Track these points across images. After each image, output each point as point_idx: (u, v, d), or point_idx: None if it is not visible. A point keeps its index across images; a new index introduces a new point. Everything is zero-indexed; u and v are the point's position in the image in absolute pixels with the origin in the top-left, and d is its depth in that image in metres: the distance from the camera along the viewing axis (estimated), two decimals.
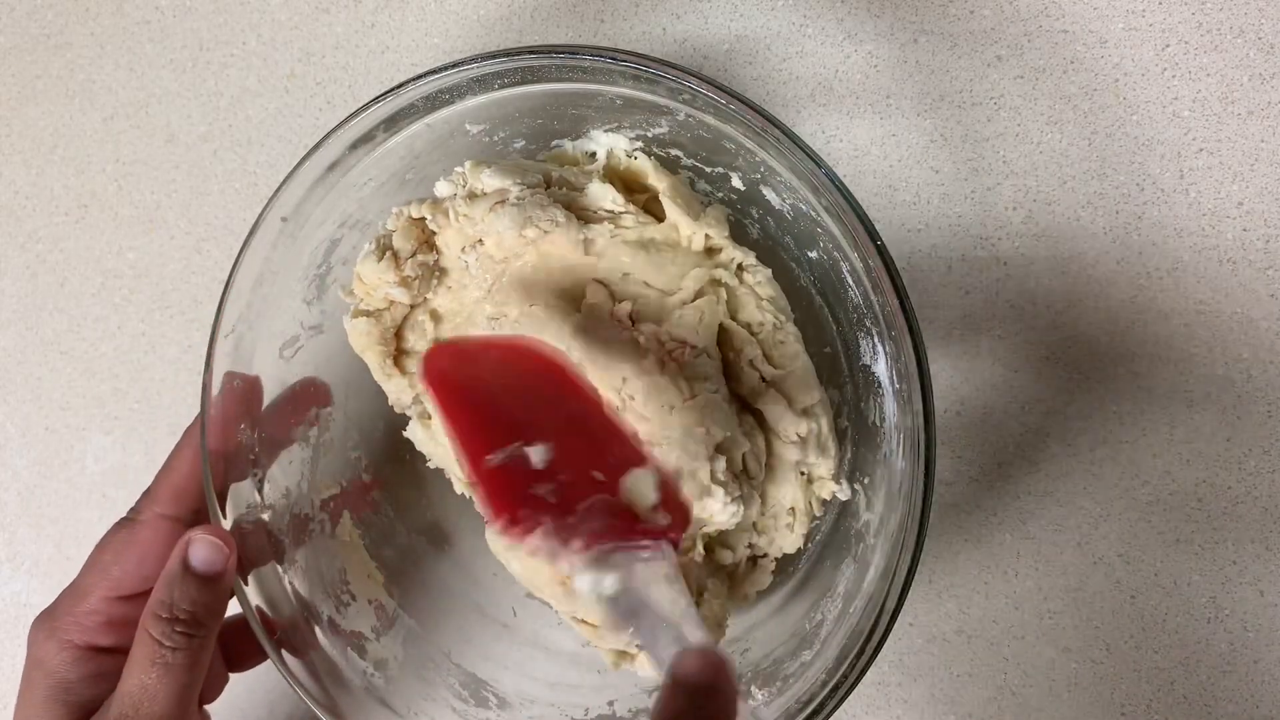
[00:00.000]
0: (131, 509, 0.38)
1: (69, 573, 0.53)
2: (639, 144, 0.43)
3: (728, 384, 0.42)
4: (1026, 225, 0.47)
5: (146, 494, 0.38)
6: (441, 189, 0.42)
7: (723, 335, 0.42)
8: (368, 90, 0.51)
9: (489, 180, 0.40)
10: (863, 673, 0.36)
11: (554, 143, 0.44)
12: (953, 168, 0.47)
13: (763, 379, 0.42)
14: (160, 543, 0.37)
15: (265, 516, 0.39)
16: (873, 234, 0.36)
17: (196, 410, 0.52)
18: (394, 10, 0.51)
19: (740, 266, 0.43)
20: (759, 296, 0.42)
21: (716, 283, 0.42)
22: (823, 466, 0.42)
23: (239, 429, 0.38)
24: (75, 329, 0.53)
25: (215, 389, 0.38)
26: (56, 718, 0.35)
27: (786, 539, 0.43)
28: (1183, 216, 0.46)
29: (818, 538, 0.45)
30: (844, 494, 0.43)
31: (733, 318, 0.42)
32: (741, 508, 0.40)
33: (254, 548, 0.38)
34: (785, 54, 0.48)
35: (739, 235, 0.45)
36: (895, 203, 0.48)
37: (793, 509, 0.43)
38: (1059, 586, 0.47)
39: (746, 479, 0.41)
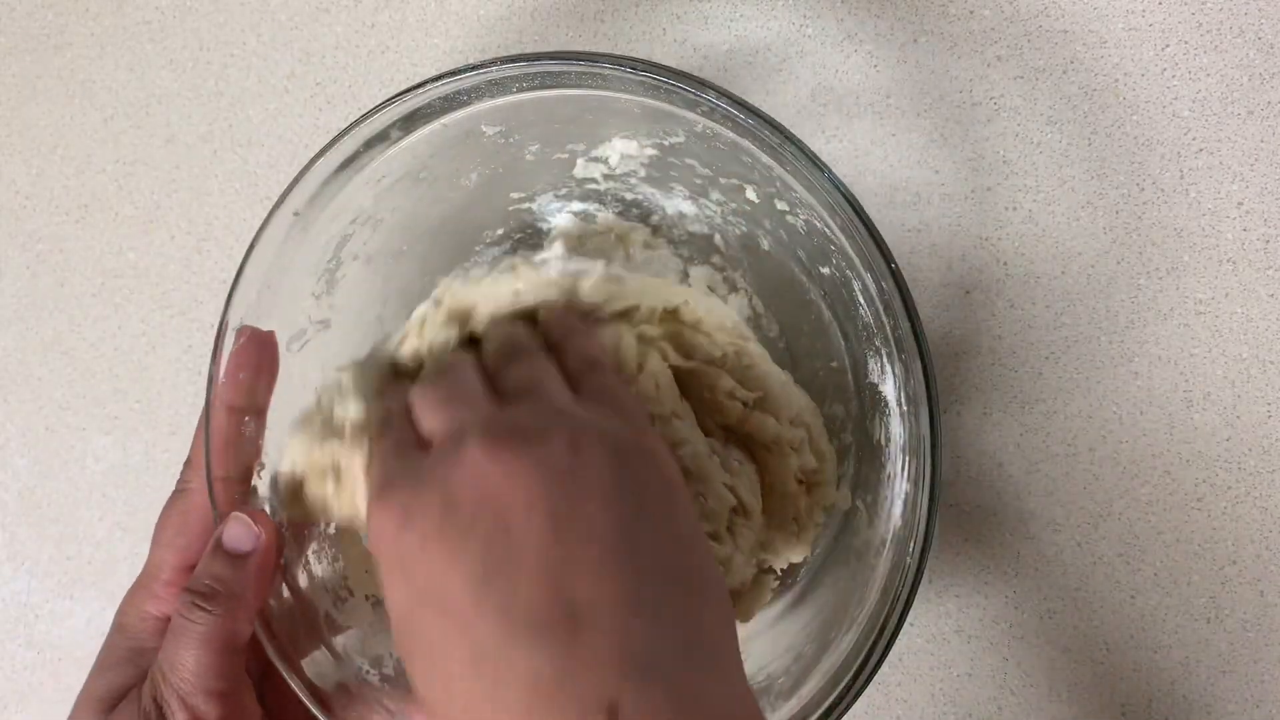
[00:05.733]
0: (179, 480, 0.39)
1: (69, 573, 0.53)
2: (654, 152, 0.43)
3: (711, 417, 0.41)
4: (1026, 225, 0.47)
5: (187, 463, 0.39)
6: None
7: (690, 379, 0.41)
8: (368, 90, 0.51)
9: (354, 409, 0.38)
10: (860, 691, 0.36)
11: (568, 146, 0.44)
12: (953, 168, 0.47)
13: (744, 404, 0.41)
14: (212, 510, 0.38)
15: (265, 508, 0.39)
16: (887, 256, 0.36)
17: (196, 409, 0.52)
18: (394, 10, 0.51)
19: (668, 312, 0.41)
20: (705, 332, 0.41)
21: (647, 340, 0.41)
22: (821, 471, 0.42)
23: (247, 415, 0.38)
24: (75, 329, 0.53)
25: (222, 368, 0.38)
26: (127, 676, 0.36)
27: (793, 549, 0.43)
28: (1183, 216, 0.46)
29: (817, 551, 0.45)
30: (844, 502, 0.42)
31: (690, 358, 0.41)
32: (739, 554, 0.39)
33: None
34: (785, 54, 0.48)
35: (751, 246, 0.45)
36: (895, 203, 0.48)
37: (795, 518, 0.42)
38: (1059, 586, 0.47)
39: (743, 517, 0.40)
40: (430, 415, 0.34)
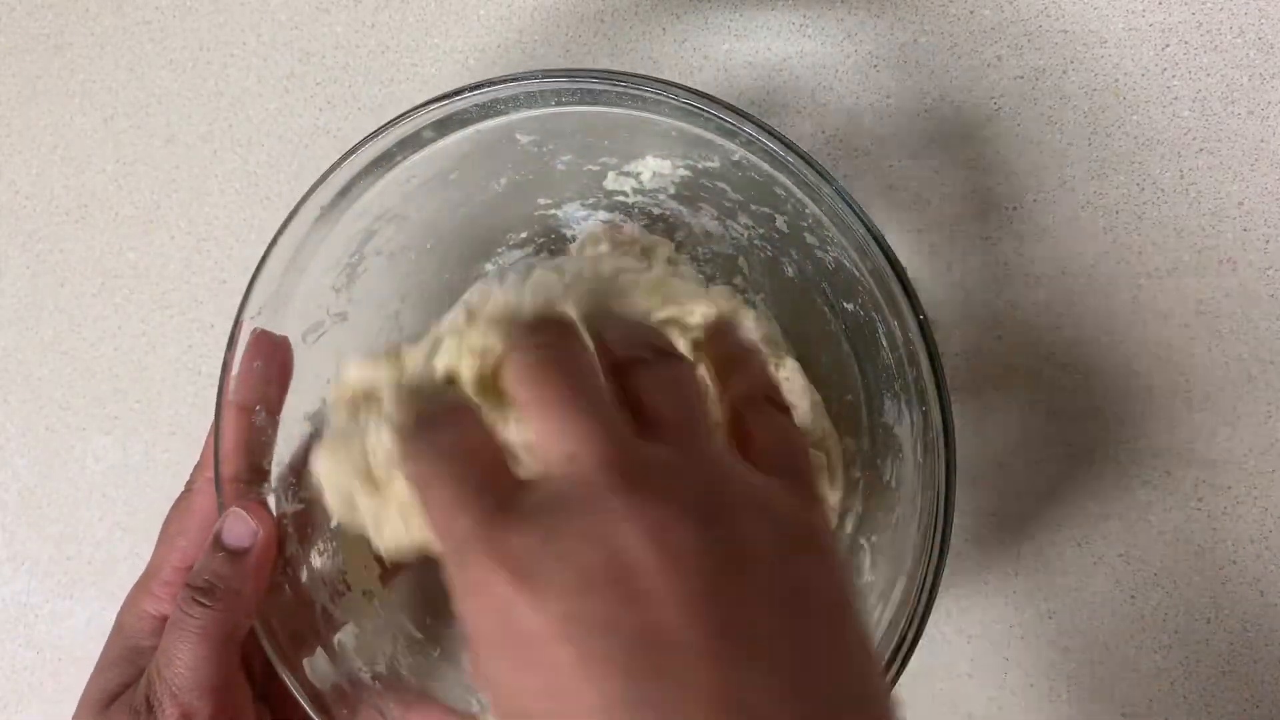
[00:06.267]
0: (188, 480, 0.39)
1: (69, 572, 0.53)
2: (686, 173, 0.43)
3: None
4: (1026, 225, 0.47)
5: (197, 465, 0.39)
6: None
7: None
8: (368, 91, 0.51)
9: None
10: None
11: (600, 159, 0.44)
12: (953, 168, 0.47)
13: None
14: (217, 508, 0.38)
15: (270, 500, 0.39)
16: (917, 308, 0.35)
17: (197, 408, 0.52)
18: (394, 10, 0.51)
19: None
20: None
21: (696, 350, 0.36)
22: (831, 497, 0.41)
23: (259, 409, 0.38)
24: (75, 329, 0.53)
25: (237, 358, 0.38)
26: (124, 675, 0.36)
27: None
28: (1183, 216, 0.46)
29: None
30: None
31: None
32: None
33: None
34: (785, 54, 0.48)
35: (775, 272, 0.44)
36: (895, 203, 0.48)
37: None
38: (1059, 586, 0.47)
39: None
40: (540, 417, 0.25)
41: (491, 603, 0.23)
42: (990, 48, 0.47)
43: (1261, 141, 0.46)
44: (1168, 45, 0.47)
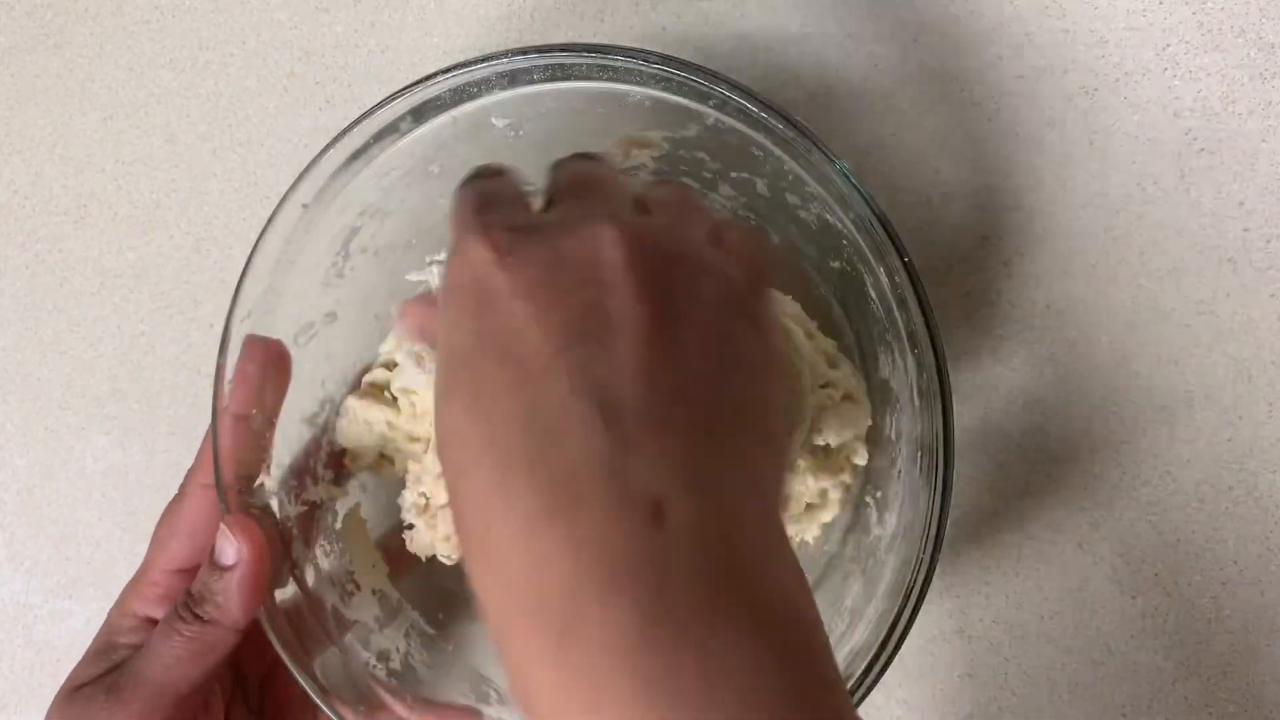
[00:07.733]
0: (180, 485, 0.40)
1: (69, 573, 0.53)
2: (664, 145, 0.43)
3: None
4: (1026, 225, 0.47)
5: (190, 469, 0.40)
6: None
7: None
8: (368, 90, 0.51)
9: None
10: (872, 686, 0.36)
11: (579, 140, 0.43)
12: (953, 168, 0.47)
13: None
14: (205, 513, 0.38)
15: (273, 503, 0.38)
16: (900, 249, 0.36)
17: (196, 408, 0.52)
18: (394, 10, 0.51)
19: None
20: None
21: None
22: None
23: (258, 405, 0.38)
24: (75, 329, 0.53)
25: (230, 363, 0.38)
26: (95, 668, 0.37)
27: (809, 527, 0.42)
28: (1183, 216, 0.46)
29: (826, 547, 0.45)
30: (861, 458, 0.41)
31: None
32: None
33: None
34: (786, 54, 0.48)
35: None
36: (895, 203, 0.48)
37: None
38: (1059, 586, 0.47)
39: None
40: (565, 189, 0.32)
41: (470, 263, 0.27)
42: (990, 48, 0.47)
43: (1262, 141, 0.46)
44: (1168, 45, 0.47)
